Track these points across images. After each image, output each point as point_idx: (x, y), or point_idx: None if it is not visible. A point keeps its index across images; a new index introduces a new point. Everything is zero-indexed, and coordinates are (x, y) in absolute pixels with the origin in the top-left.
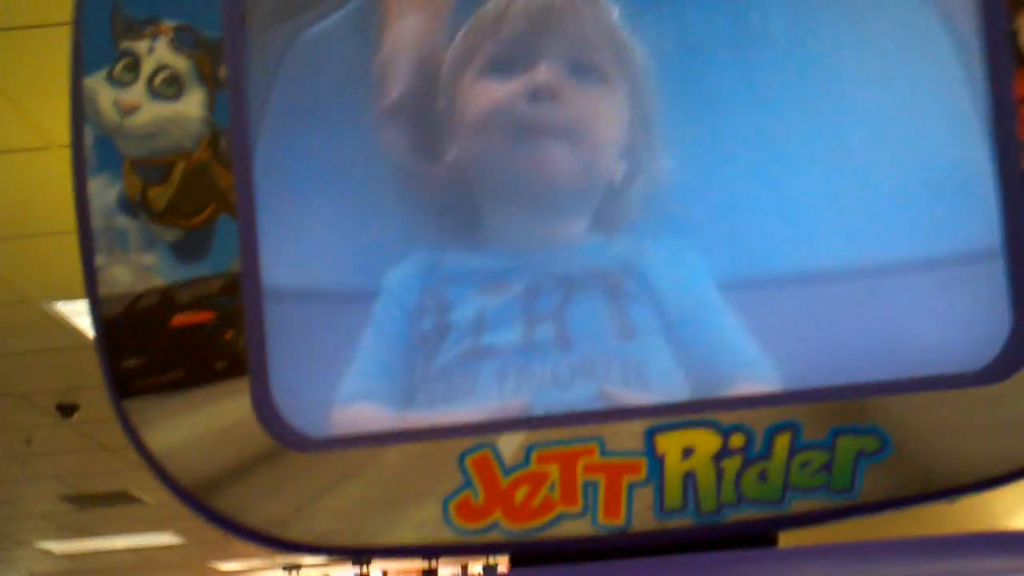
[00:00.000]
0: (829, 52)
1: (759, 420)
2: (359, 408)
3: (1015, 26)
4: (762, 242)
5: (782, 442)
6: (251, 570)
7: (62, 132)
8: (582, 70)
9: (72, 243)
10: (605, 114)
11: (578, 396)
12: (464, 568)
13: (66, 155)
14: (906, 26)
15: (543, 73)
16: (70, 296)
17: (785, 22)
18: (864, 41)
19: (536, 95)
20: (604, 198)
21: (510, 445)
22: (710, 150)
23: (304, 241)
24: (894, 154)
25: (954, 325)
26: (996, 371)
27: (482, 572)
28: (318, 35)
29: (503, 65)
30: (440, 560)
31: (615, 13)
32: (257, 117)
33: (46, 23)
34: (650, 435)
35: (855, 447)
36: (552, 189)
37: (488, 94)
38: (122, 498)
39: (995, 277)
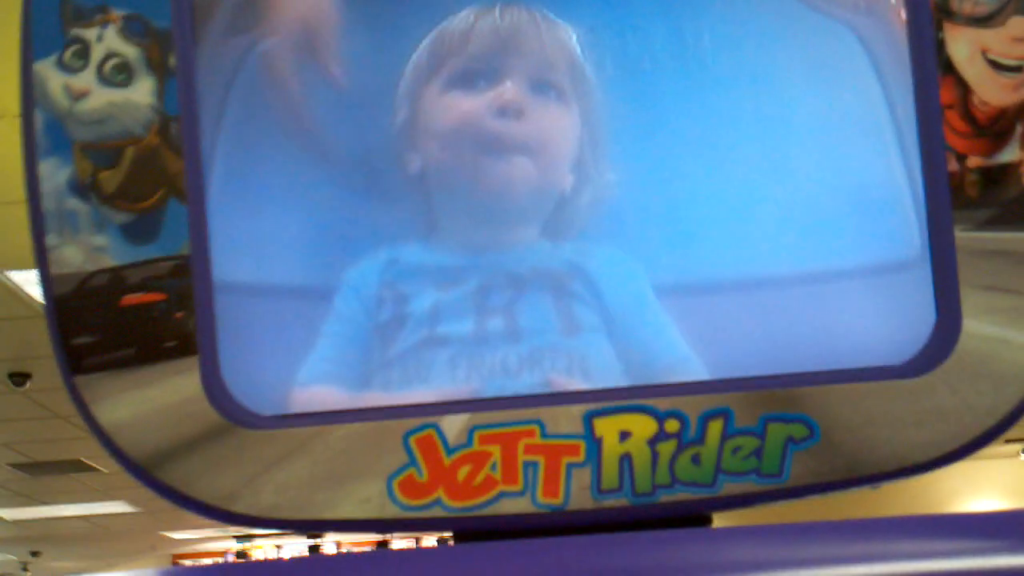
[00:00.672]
0: (761, 72)
1: (693, 406)
2: (316, 390)
3: (942, 35)
4: (697, 250)
5: (715, 428)
6: (203, 539)
7: (14, 102)
8: (544, 88)
9: (24, 213)
10: (562, 130)
11: (524, 384)
12: (417, 541)
13: (19, 125)
14: (830, 47)
15: (510, 90)
16: (22, 265)
17: (719, 44)
18: (793, 61)
19: (503, 111)
20: (555, 207)
21: (454, 426)
22: (650, 165)
23: (259, 235)
24: (823, 168)
25: (880, 323)
26: (918, 365)
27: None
28: (277, 44)
29: (470, 80)
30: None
31: (572, 35)
32: (218, 109)
33: None
34: (589, 419)
35: (784, 434)
36: (510, 200)
37: (455, 107)
38: (75, 466)
39: (919, 280)
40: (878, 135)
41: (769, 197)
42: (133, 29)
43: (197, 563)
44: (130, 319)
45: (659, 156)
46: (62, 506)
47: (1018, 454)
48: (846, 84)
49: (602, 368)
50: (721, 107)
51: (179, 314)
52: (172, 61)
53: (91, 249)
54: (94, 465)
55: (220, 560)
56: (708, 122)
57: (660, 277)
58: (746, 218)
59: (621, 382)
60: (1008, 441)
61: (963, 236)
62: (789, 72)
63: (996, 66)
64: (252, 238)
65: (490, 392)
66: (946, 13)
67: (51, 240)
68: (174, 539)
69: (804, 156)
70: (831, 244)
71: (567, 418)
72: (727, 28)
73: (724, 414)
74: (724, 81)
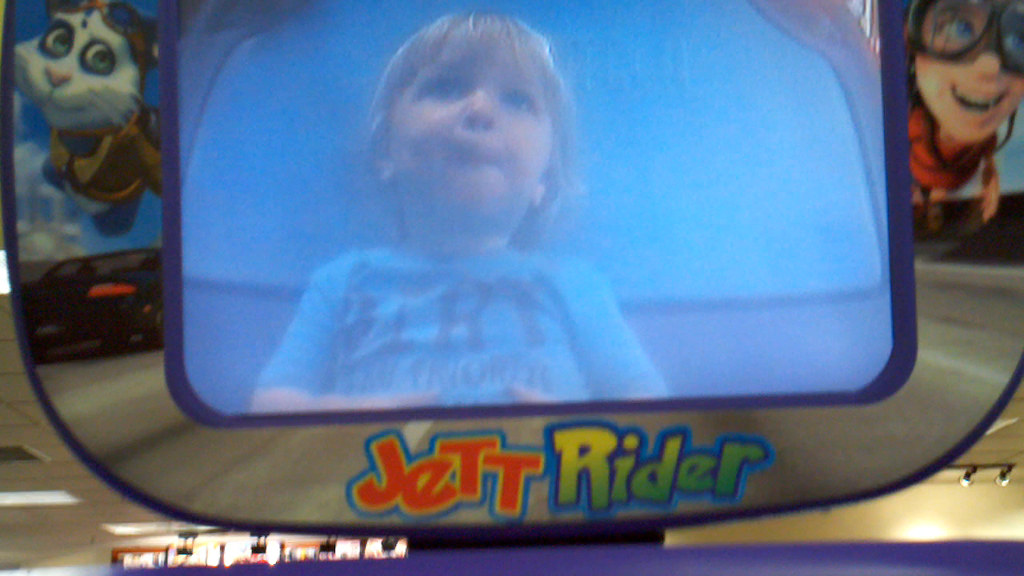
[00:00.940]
0: (736, 95)
1: (652, 424)
2: (279, 391)
3: (913, 68)
4: (663, 267)
5: (673, 446)
6: (145, 534)
7: None
8: (515, 99)
9: None
10: (533, 141)
11: (486, 393)
12: (362, 544)
13: None
14: (805, 75)
15: (480, 100)
16: None
17: (698, 65)
18: (768, 86)
19: (473, 120)
20: (525, 217)
21: (415, 433)
22: (623, 180)
23: (231, 233)
24: (792, 193)
25: (839, 349)
26: (873, 393)
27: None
28: (259, 43)
29: (441, 89)
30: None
31: (546, 47)
32: (199, 103)
33: None
34: (549, 432)
35: (740, 455)
36: (479, 209)
37: (426, 116)
38: (16, 454)
39: (878, 308)
40: (846, 164)
41: (737, 219)
42: (119, 17)
43: (138, 560)
44: (97, 311)
45: (632, 172)
46: (1, 494)
47: (959, 480)
48: (818, 112)
49: (563, 380)
50: (696, 127)
51: (147, 308)
52: (155, 51)
53: (62, 238)
54: (36, 453)
55: (161, 555)
56: (682, 141)
57: (626, 292)
58: (713, 238)
59: (581, 395)
60: (950, 467)
61: (923, 268)
62: (764, 97)
63: (964, 102)
64: (224, 234)
65: (451, 399)
66: (919, 47)
67: (22, 226)
68: (115, 533)
69: (774, 180)
70: (795, 268)
71: (528, 430)
72: (706, 50)
73: (682, 432)
74: (700, 102)
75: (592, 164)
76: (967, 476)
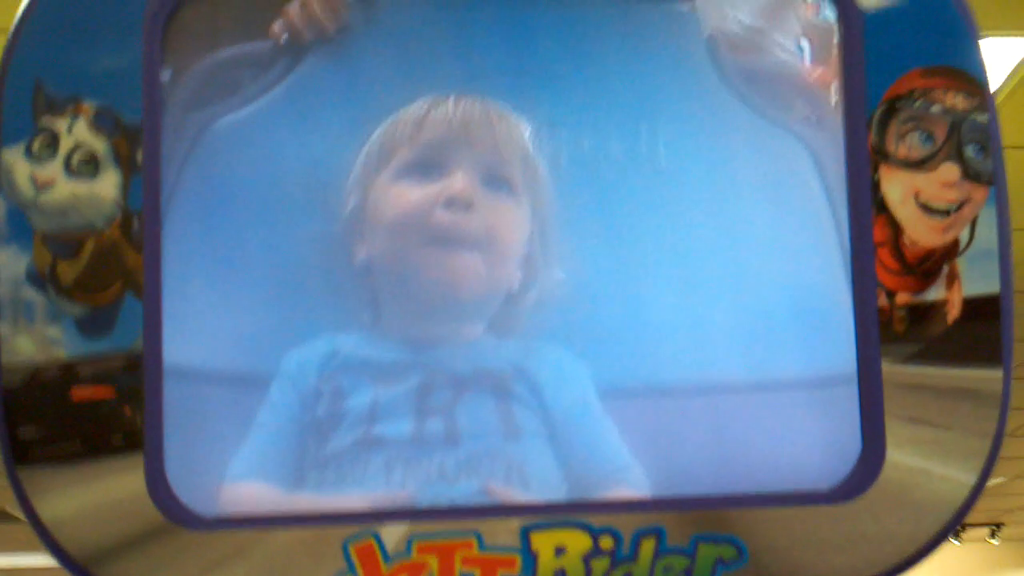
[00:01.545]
0: (714, 178)
1: (627, 524)
2: (249, 486)
3: (877, 176)
4: (640, 355)
5: (648, 546)
6: None
7: None
8: (495, 182)
9: None
10: (512, 225)
11: (462, 491)
12: None
13: None
14: (782, 158)
15: (460, 182)
16: None
17: (674, 148)
18: (746, 169)
19: (452, 203)
20: (502, 304)
21: (393, 534)
22: (600, 265)
23: (206, 322)
24: (764, 281)
25: (809, 445)
26: (844, 491)
27: None
28: (232, 124)
29: (419, 171)
30: None
31: (526, 131)
32: (167, 199)
33: None
34: (525, 533)
35: (714, 555)
36: (455, 295)
37: (403, 198)
38: None
39: (848, 402)
40: (822, 247)
41: (714, 303)
42: (103, 123)
43: None
44: (78, 413)
45: (609, 257)
46: None
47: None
48: (795, 195)
49: (540, 476)
50: (673, 210)
51: (127, 409)
52: (139, 156)
53: (44, 340)
54: (18, 515)
55: None
56: (659, 224)
57: (603, 378)
58: (690, 323)
59: (559, 491)
60: None
61: (889, 369)
62: (740, 179)
63: (927, 209)
64: (202, 327)
65: (427, 498)
66: (882, 155)
67: (4, 329)
68: None
69: (751, 263)
70: (772, 353)
71: (505, 531)
72: (682, 133)
73: (657, 533)
74: (677, 184)
75: (569, 250)
76: (956, 535)
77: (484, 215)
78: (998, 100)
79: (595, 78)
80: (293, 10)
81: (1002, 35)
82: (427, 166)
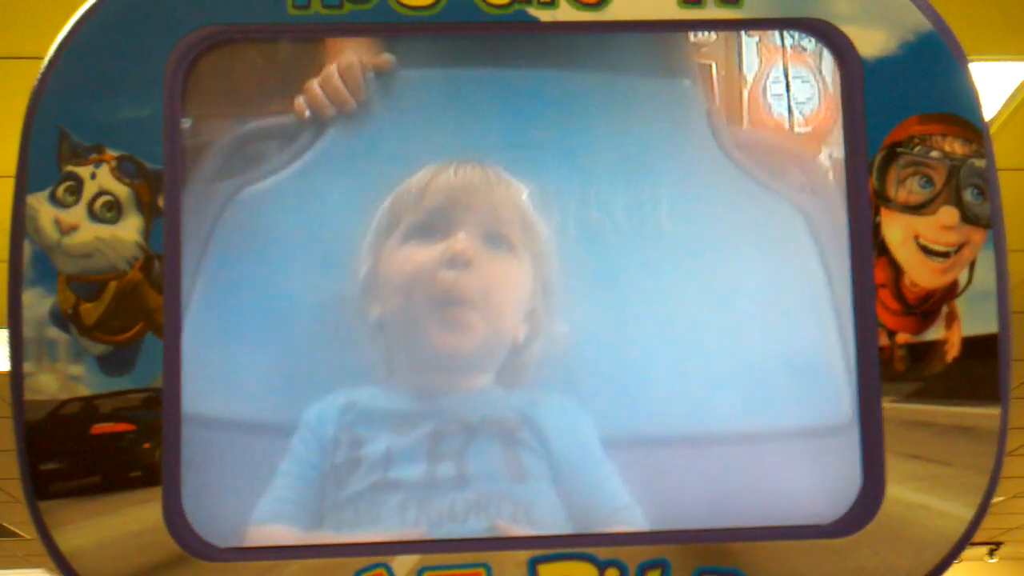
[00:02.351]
0: (712, 240)
1: (632, 556)
2: (271, 528)
3: (878, 219)
4: (642, 404)
5: None
6: None
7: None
8: (495, 240)
9: None
10: (512, 281)
11: (471, 529)
12: None
13: (9, 184)
14: (778, 222)
15: (460, 241)
16: None
17: (675, 212)
18: (743, 232)
19: (453, 261)
20: (508, 355)
21: (404, 566)
22: (604, 321)
23: (228, 369)
24: (765, 335)
25: (811, 483)
26: (845, 526)
27: None
28: (259, 192)
29: (424, 233)
30: None
31: (524, 192)
32: (200, 249)
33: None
34: (533, 564)
35: None
36: (459, 349)
37: (410, 259)
38: None
39: (848, 445)
40: (816, 305)
41: (712, 358)
42: (126, 169)
43: None
44: (98, 448)
45: (611, 313)
46: None
47: None
48: (789, 256)
49: (546, 515)
50: (672, 270)
51: (146, 445)
52: (160, 202)
53: (67, 378)
54: (16, 531)
55: None
56: (659, 283)
57: (605, 427)
58: (689, 377)
59: (564, 529)
60: None
61: (890, 407)
62: (738, 241)
63: (926, 251)
64: (222, 374)
65: (438, 535)
66: (883, 199)
67: (28, 367)
68: None
69: (747, 321)
70: (768, 406)
71: (513, 563)
72: (683, 197)
73: (661, 565)
74: (677, 246)
75: (573, 305)
76: None
77: (484, 272)
78: (997, 124)
79: (601, 147)
80: (315, 87)
81: (1001, 60)
82: (431, 229)
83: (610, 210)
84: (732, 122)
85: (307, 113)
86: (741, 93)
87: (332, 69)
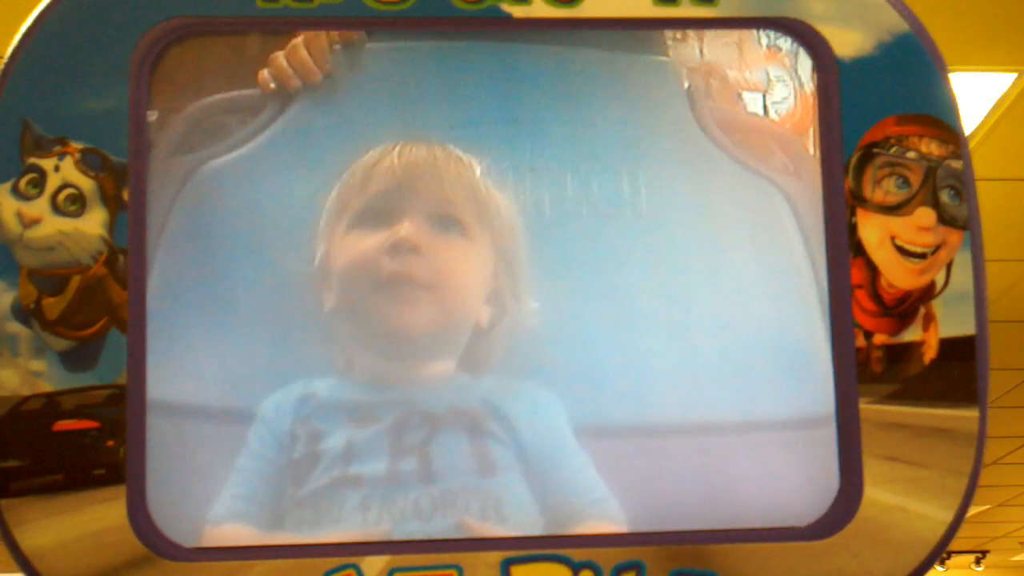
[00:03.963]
0: (692, 227)
1: (607, 558)
2: (229, 528)
3: (854, 219)
4: (616, 393)
5: None
6: None
7: None
8: (444, 223)
9: None
10: (466, 263)
11: (437, 527)
12: None
13: None
14: (761, 205)
15: (405, 228)
16: None
17: (654, 194)
18: (725, 215)
19: (397, 249)
20: (471, 340)
21: (374, 567)
22: (578, 305)
23: (188, 360)
24: (741, 323)
25: (788, 482)
26: (823, 528)
27: None
28: (220, 168)
29: (370, 220)
30: None
31: (477, 170)
32: (155, 239)
33: None
34: (506, 565)
35: None
36: (411, 335)
37: (355, 247)
38: None
39: (827, 442)
40: (800, 290)
41: (692, 343)
42: (90, 162)
43: None
44: (61, 445)
45: (587, 297)
46: None
47: (935, 566)
48: (772, 239)
49: (517, 510)
50: (652, 252)
51: (110, 442)
52: (124, 194)
53: (28, 374)
54: None
55: None
56: (639, 265)
57: (579, 416)
58: (668, 361)
59: (536, 523)
60: None
61: (867, 408)
62: (720, 225)
63: (903, 252)
64: (185, 368)
65: (402, 534)
66: (860, 200)
67: None
68: None
69: (729, 304)
70: (750, 394)
71: (485, 565)
72: (663, 179)
73: (636, 567)
74: (658, 229)
75: (544, 287)
76: (942, 562)
77: (433, 257)
78: (979, 134)
79: (578, 126)
80: (280, 59)
81: (983, 70)
82: (376, 215)
83: (591, 192)
84: (714, 100)
85: (271, 85)
86: (723, 73)
87: (298, 40)
